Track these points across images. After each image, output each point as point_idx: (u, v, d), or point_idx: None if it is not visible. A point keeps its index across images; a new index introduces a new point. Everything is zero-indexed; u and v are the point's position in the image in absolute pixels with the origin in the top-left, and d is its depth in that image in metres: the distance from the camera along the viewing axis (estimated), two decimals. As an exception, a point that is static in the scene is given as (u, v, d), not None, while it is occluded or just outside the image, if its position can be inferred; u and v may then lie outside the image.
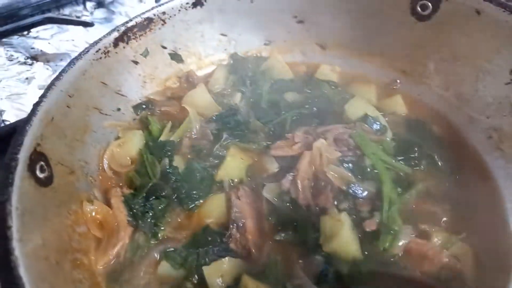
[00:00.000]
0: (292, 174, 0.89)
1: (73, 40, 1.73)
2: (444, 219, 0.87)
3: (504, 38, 0.93)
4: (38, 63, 1.64)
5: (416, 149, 0.98)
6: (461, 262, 0.80)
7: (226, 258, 0.79)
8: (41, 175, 0.76)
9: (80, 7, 1.90)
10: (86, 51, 0.92)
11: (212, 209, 0.87)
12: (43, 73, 1.59)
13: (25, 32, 1.72)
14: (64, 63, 1.62)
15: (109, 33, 0.98)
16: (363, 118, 1.02)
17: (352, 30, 1.17)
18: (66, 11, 1.87)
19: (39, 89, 1.53)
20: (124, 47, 1.01)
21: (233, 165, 0.93)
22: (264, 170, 0.95)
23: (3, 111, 1.42)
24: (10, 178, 0.67)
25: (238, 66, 1.19)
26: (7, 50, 1.67)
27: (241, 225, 0.83)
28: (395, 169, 0.93)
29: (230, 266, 0.78)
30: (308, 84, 1.16)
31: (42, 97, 0.82)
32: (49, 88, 0.84)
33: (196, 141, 0.98)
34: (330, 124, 1.03)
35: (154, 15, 1.04)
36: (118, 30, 0.99)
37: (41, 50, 1.68)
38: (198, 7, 1.10)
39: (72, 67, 0.88)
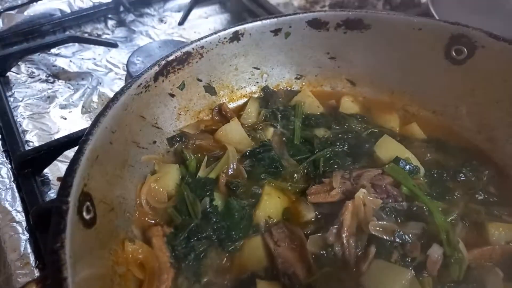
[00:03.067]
0: (335, 227, 0.89)
1: (94, 59, 1.73)
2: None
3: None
4: (60, 81, 1.64)
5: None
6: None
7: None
8: (87, 217, 0.75)
9: (102, 25, 1.90)
10: (128, 85, 0.92)
11: (252, 253, 0.87)
12: (64, 92, 1.59)
13: (47, 49, 1.72)
14: (85, 82, 1.63)
15: (150, 67, 0.98)
16: (394, 160, 1.03)
17: (383, 69, 1.18)
18: (88, 28, 1.88)
19: (61, 108, 1.53)
20: (163, 81, 1.01)
21: (270, 204, 0.93)
22: (300, 216, 0.94)
23: (26, 131, 1.41)
24: (62, 224, 0.67)
25: (270, 100, 1.19)
26: (28, 67, 1.67)
27: (292, 274, 0.82)
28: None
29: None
30: (336, 119, 1.17)
31: (88, 134, 0.81)
32: (94, 125, 0.83)
33: (231, 178, 0.98)
34: (363, 164, 1.04)
35: (193, 49, 1.05)
36: (159, 65, 0.99)
37: (62, 68, 1.68)
38: (235, 42, 1.11)
39: (115, 103, 0.88)
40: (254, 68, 1.19)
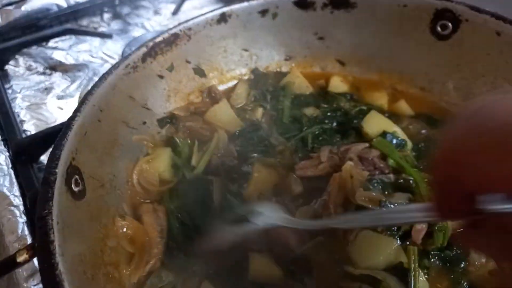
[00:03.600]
0: (323, 198, 0.90)
1: (90, 51, 1.76)
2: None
3: (524, 60, 0.96)
4: (57, 73, 1.66)
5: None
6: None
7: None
8: (76, 189, 0.77)
9: (98, 18, 1.93)
10: (116, 66, 0.95)
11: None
12: (61, 84, 1.61)
13: (44, 43, 1.75)
14: (81, 74, 1.66)
15: (138, 49, 1.00)
16: (382, 134, 1.04)
17: (371, 48, 1.19)
18: (84, 22, 1.90)
19: (58, 99, 1.55)
20: (151, 62, 1.03)
21: (261, 181, 0.95)
22: (290, 191, 0.96)
23: (23, 121, 1.44)
24: (49, 192, 0.69)
25: (259, 81, 1.21)
26: (26, 60, 1.70)
27: (284, 243, 0.84)
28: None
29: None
30: (325, 98, 1.19)
31: (76, 111, 0.84)
32: (82, 102, 0.86)
33: (223, 159, 0.99)
34: (351, 140, 1.05)
35: (181, 31, 1.07)
36: (146, 46, 1.01)
37: (59, 61, 1.70)
38: (223, 23, 1.13)
39: (103, 82, 0.90)
40: (243, 50, 1.21)
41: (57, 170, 0.72)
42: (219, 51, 1.17)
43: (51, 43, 1.77)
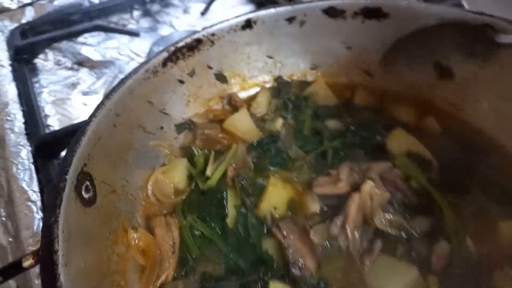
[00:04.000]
0: (340, 219, 0.86)
1: (118, 48, 1.77)
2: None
3: None
4: (84, 69, 1.68)
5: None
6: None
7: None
8: (86, 195, 0.76)
9: (127, 15, 1.94)
10: (136, 70, 0.93)
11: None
12: (87, 80, 1.63)
13: (74, 38, 1.77)
14: (108, 71, 1.67)
15: (159, 53, 0.98)
16: (406, 154, 0.99)
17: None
18: (114, 18, 1.92)
19: (83, 95, 1.57)
20: (172, 67, 1.01)
21: (275, 195, 0.91)
22: (305, 208, 0.92)
23: (48, 116, 1.46)
24: (58, 199, 0.68)
25: (282, 90, 1.17)
26: (56, 55, 1.73)
27: (302, 265, 0.81)
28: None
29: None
30: (348, 111, 1.14)
31: (92, 116, 0.83)
32: (99, 107, 0.85)
33: (239, 171, 0.97)
34: (373, 157, 1.00)
35: (204, 36, 1.05)
36: (168, 51, 0.99)
37: (87, 57, 1.72)
38: (248, 30, 1.10)
39: (121, 87, 0.89)
40: (268, 57, 1.17)
41: (67, 177, 0.71)
42: (243, 57, 1.15)
43: (81, 38, 1.79)
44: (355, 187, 0.92)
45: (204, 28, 1.05)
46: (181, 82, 1.06)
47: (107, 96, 0.87)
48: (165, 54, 0.99)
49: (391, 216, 0.87)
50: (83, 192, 0.76)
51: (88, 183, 0.78)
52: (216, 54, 1.09)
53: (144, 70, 0.94)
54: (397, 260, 0.83)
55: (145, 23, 1.92)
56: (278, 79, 1.20)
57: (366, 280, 0.82)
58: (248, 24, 1.09)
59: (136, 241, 0.84)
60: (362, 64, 1.19)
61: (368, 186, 0.89)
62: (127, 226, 0.86)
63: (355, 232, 0.87)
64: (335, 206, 0.92)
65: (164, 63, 0.99)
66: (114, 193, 0.88)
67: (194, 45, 1.04)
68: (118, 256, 0.82)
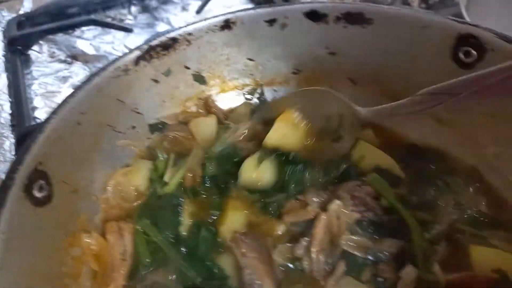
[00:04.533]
0: (306, 240, 0.84)
1: (113, 43, 1.76)
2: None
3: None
4: (77, 62, 1.68)
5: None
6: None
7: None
8: (38, 195, 0.75)
9: (125, 11, 1.93)
10: (104, 68, 0.92)
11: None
12: (80, 73, 1.63)
13: (70, 31, 1.77)
14: (101, 65, 1.66)
15: (131, 51, 0.97)
16: (375, 170, 0.95)
17: (386, 69, 1.09)
18: (112, 13, 1.91)
19: (73, 88, 1.56)
20: (145, 66, 1.00)
21: (235, 219, 0.88)
22: (271, 230, 0.89)
23: (36, 108, 1.47)
24: (1, 198, 0.67)
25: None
26: (51, 47, 1.73)
27: (259, 287, 0.78)
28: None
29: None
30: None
31: (53, 113, 0.82)
32: (61, 105, 0.84)
33: (196, 180, 0.94)
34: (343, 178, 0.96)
35: (180, 35, 1.03)
36: (141, 49, 0.98)
37: (82, 50, 1.72)
38: (226, 30, 1.07)
39: (88, 85, 0.88)
40: (248, 59, 1.15)
41: (15, 175, 0.70)
42: (222, 58, 1.12)
43: (78, 32, 1.79)
44: (325, 208, 0.89)
45: (180, 27, 1.03)
46: (156, 81, 1.04)
47: (71, 94, 0.86)
48: (137, 53, 0.97)
49: (358, 237, 0.84)
50: (35, 192, 0.75)
51: (42, 182, 0.77)
52: (194, 54, 1.07)
53: (113, 68, 0.93)
54: (362, 284, 0.80)
55: (142, 18, 1.91)
56: (260, 98, 1.17)
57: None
58: (226, 25, 1.06)
59: (89, 246, 0.82)
60: (346, 71, 1.15)
61: (334, 205, 0.86)
62: (84, 228, 0.85)
63: (320, 255, 0.83)
64: (304, 226, 0.88)
65: (137, 62, 0.98)
66: (76, 193, 0.87)
67: (170, 44, 1.02)
68: (72, 259, 0.81)
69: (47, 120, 0.80)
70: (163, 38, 1.00)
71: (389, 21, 1.02)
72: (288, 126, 0.99)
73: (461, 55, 0.96)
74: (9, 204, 0.67)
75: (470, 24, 0.93)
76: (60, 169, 0.82)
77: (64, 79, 1.60)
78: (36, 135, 0.77)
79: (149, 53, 0.99)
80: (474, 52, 0.94)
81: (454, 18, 0.96)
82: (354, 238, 0.84)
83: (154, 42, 0.99)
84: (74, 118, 0.86)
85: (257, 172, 0.92)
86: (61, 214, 0.81)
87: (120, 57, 0.95)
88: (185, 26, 1.03)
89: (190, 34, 1.04)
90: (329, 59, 1.14)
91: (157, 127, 1.06)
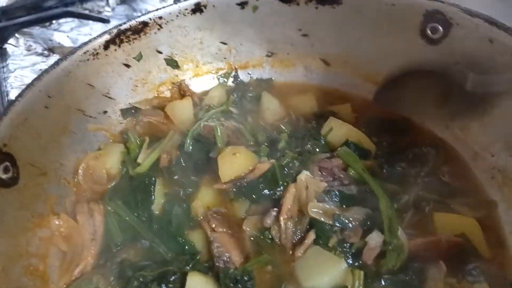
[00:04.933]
0: (275, 209, 0.84)
1: (90, 35, 1.74)
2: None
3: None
4: (54, 55, 1.66)
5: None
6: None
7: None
8: (3, 176, 0.75)
9: (103, 2, 1.92)
10: (72, 52, 0.91)
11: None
12: (57, 66, 1.61)
13: (47, 24, 1.76)
14: (78, 57, 1.65)
15: (100, 35, 0.96)
16: (346, 143, 0.96)
17: (358, 49, 1.10)
18: (89, 5, 1.89)
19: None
20: (115, 50, 0.99)
21: (208, 194, 0.89)
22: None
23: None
24: (-37, 179, 0.67)
25: (239, 89, 1.15)
26: (27, 40, 1.71)
27: (227, 259, 0.79)
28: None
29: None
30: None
31: (18, 96, 0.82)
32: (27, 88, 0.83)
33: (171, 161, 0.94)
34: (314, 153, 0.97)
35: (150, 19, 1.02)
36: (110, 33, 0.97)
37: (59, 43, 1.70)
38: (198, 14, 1.07)
39: (55, 68, 0.88)
40: (221, 43, 1.15)
41: (-22, 156, 0.70)
42: (195, 42, 1.12)
43: (54, 24, 1.77)
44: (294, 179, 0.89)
45: (150, 11, 1.02)
46: (127, 66, 1.04)
47: (37, 77, 0.86)
48: (107, 37, 0.97)
49: (325, 205, 0.85)
50: (0, 173, 0.74)
51: (8, 163, 0.76)
52: (166, 38, 1.07)
53: (82, 52, 0.93)
54: (328, 252, 0.81)
55: (120, 10, 1.90)
56: (236, 79, 1.18)
57: (294, 272, 0.80)
58: (198, 8, 1.06)
59: (59, 228, 0.81)
60: (319, 53, 1.15)
61: (303, 175, 0.86)
62: (54, 210, 0.84)
63: (289, 223, 0.84)
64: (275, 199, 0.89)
65: (106, 46, 0.97)
66: (44, 176, 0.86)
67: (140, 28, 1.02)
68: (40, 240, 0.80)
69: (12, 102, 0.80)
70: (133, 22, 1.00)
71: (358, 0, 1.03)
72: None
73: (429, 32, 0.97)
74: (-29, 184, 0.67)
75: (436, 0, 0.94)
76: (26, 152, 0.81)
77: (41, 72, 1.58)
78: (0, 117, 0.76)
79: (119, 37, 0.99)
80: (440, 28, 0.95)
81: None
82: (321, 205, 0.84)
83: (123, 26, 0.99)
84: (40, 101, 0.85)
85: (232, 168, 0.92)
86: (28, 196, 0.81)
87: (89, 41, 0.95)
88: (156, 10, 1.02)
89: (160, 18, 1.03)
90: (302, 41, 1.15)
91: (130, 112, 1.06)
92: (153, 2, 1.94)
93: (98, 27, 1.77)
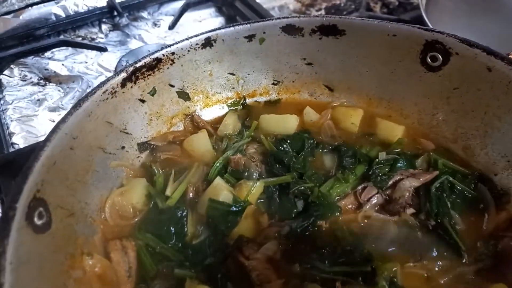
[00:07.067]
0: None
1: (86, 62, 1.76)
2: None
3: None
4: (51, 84, 1.66)
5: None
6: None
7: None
8: (39, 222, 0.76)
9: (96, 29, 1.93)
10: (93, 92, 0.93)
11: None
12: (54, 95, 1.61)
13: (40, 53, 1.75)
14: (75, 86, 1.65)
15: (117, 74, 0.99)
16: None
17: (360, 76, 1.16)
18: (82, 32, 1.91)
19: (50, 111, 1.55)
20: (131, 87, 1.02)
21: (246, 226, 0.92)
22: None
23: (13, 133, 1.44)
24: (6, 229, 0.68)
25: (249, 113, 1.20)
26: (21, 70, 1.70)
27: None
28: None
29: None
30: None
31: (46, 141, 0.83)
32: (53, 131, 0.84)
33: (197, 191, 0.97)
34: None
35: (163, 55, 1.05)
36: (126, 71, 0.99)
37: (54, 71, 1.71)
38: (208, 48, 1.11)
39: (78, 109, 0.89)
40: (230, 73, 1.19)
41: (17, 205, 0.71)
42: (205, 74, 1.16)
43: (48, 53, 1.77)
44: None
45: (163, 48, 1.05)
46: (142, 101, 1.06)
47: (62, 120, 0.87)
48: (123, 75, 0.99)
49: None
50: (35, 219, 0.75)
51: (42, 209, 0.77)
52: (177, 72, 1.10)
53: (102, 92, 0.95)
54: None
55: (113, 36, 1.91)
56: (243, 103, 1.22)
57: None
58: (208, 43, 1.10)
59: (92, 268, 0.83)
60: (323, 80, 1.21)
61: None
62: (84, 250, 0.85)
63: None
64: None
65: (123, 84, 0.99)
66: (72, 216, 0.87)
67: (154, 65, 1.04)
68: (75, 281, 0.81)
69: (41, 147, 0.81)
70: (147, 59, 1.03)
71: (360, 31, 1.10)
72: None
73: (429, 60, 1.05)
74: (13, 234, 0.68)
75: (435, 31, 1.01)
76: (56, 195, 0.82)
77: (39, 102, 1.58)
78: (31, 163, 0.77)
79: (135, 74, 1.01)
80: (440, 56, 1.02)
81: (420, 26, 1.03)
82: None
83: (139, 64, 1.01)
84: (66, 143, 0.86)
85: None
86: (60, 239, 0.82)
87: (107, 80, 0.96)
88: (168, 46, 1.05)
89: (173, 53, 1.06)
90: (306, 69, 1.20)
91: (146, 146, 1.08)
92: (146, 28, 1.97)
93: (93, 55, 1.79)
